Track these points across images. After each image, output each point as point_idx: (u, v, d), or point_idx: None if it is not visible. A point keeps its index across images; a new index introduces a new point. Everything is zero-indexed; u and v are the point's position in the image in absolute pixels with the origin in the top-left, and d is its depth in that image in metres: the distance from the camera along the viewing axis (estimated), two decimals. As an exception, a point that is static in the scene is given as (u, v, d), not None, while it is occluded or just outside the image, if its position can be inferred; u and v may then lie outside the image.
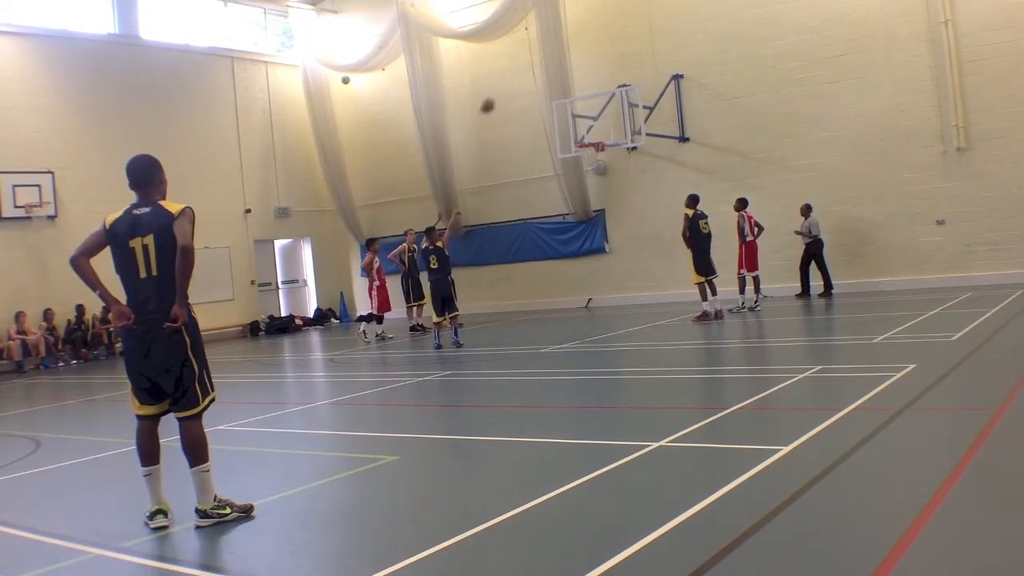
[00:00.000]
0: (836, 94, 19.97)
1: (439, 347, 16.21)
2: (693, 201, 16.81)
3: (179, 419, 5.94)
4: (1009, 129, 18.22)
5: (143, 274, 5.76)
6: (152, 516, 5.82)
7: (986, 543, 4.33)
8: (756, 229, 17.76)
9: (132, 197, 6.03)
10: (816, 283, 19.84)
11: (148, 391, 5.89)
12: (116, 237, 5.81)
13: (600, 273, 23.86)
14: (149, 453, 5.95)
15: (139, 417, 5.99)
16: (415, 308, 20.63)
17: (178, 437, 5.96)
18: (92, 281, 5.74)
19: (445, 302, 16.37)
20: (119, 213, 5.87)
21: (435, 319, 16.71)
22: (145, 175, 5.96)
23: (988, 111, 18.39)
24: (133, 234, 5.75)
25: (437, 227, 18.20)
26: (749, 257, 17.52)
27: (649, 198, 22.49)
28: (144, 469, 5.95)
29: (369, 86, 28.16)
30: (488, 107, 21.21)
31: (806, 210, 19.58)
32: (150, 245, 5.72)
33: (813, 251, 19.63)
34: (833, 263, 20.07)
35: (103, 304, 5.78)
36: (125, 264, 5.80)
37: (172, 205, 5.84)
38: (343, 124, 28.41)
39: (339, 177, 28.12)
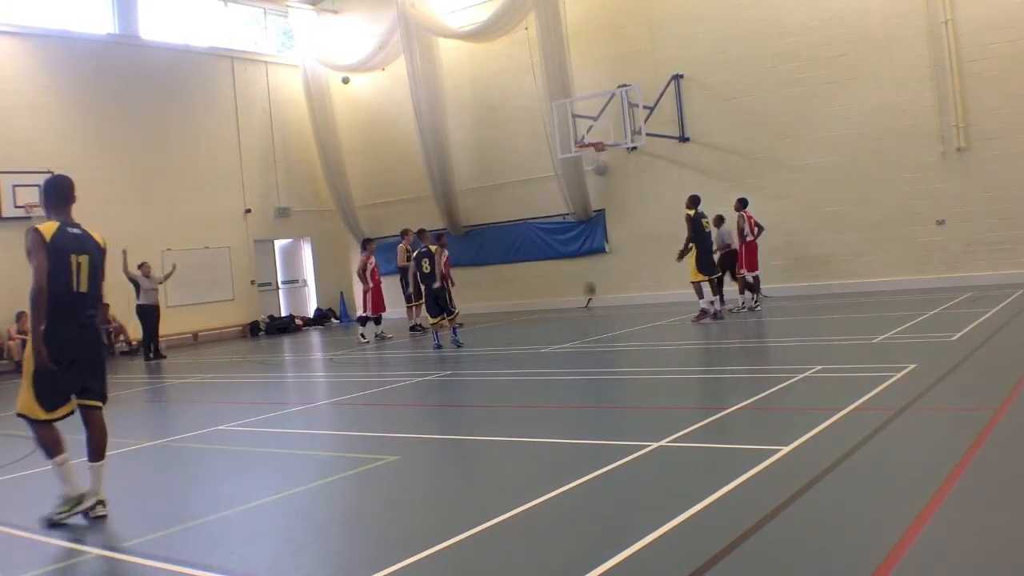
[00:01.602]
0: (836, 94, 19.98)
1: (439, 347, 16.20)
2: (694, 202, 16.84)
3: (94, 408, 6.31)
4: (1009, 129, 18.21)
5: (74, 287, 6.17)
6: (94, 506, 6.07)
7: (987, 543, 4.34)
8: (756, 229, 17.76)
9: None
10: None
11: (78, 389, 6.24)
12: (60, 250, 6.11)
13: (600, 273, 23.85)
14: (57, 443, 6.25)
15: (76, 411, 6.33)
16: (415, 308, 20.58)
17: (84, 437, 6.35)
18: (41, 319, 6.04)
19: (440, 305, 16.36)
20: (55, 228, 6.18)
21: (431, 321, 16.72)
22: (69, 194, 6.46)
23: (988, 111, 18.39)
24: (73, 250, 6.18)
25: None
26: (749, 257, 17.51)
27: (649, 198, 22.50)
28: (92, 464, 6.28)
29: (369, 86, 28.16)
30: (590, 292, 23.26)
31: (718, 221, 18.59)
32: (84, 264, 6.20)
33: (729, 261, 18.49)
34: (833, 263, 20.13)
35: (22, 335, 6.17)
36: (64, 274, 6.13)
37: (95, 233, 6.43)
38: (343, 124, 28.41)
39: (339, 177, 28.12)
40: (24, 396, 6.12)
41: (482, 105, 25.49)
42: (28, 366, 6.07)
